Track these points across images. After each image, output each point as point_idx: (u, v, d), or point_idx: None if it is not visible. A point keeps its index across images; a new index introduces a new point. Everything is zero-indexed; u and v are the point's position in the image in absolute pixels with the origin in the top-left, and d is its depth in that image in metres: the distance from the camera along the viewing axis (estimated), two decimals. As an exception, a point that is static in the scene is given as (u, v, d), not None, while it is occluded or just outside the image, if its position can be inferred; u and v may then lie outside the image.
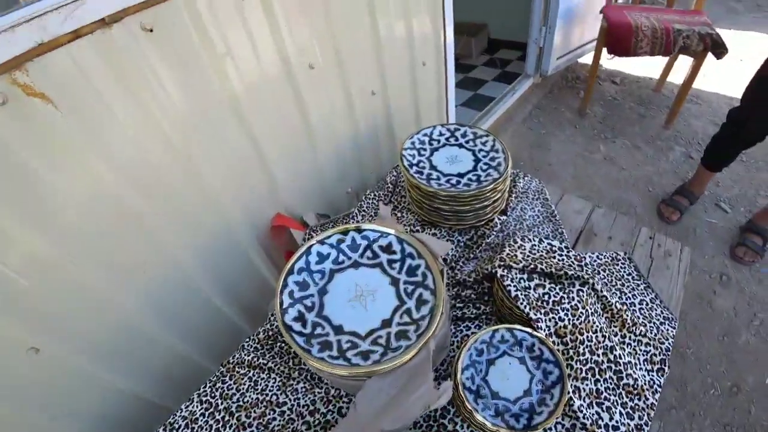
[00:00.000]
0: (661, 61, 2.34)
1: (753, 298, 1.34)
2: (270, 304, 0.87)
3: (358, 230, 0.72)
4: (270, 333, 0.79)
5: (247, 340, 0.79)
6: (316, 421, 0.66)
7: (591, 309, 0.70)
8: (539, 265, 0.71)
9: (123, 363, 0.78)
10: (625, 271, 0.86)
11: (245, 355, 0.76)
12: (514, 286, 0.68)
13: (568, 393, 0.62)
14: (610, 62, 2.82)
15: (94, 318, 0.71)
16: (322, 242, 0.70)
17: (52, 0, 0.53)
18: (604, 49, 2.07)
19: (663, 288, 0.84)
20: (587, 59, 2.51)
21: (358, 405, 0.55)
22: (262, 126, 0.86)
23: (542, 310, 0.67)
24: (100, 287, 0.70)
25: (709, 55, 1.84)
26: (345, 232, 0.71)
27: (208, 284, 0.88)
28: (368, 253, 0.71)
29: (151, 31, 0.64)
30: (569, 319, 0.67)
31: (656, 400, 0.66)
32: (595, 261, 0.87)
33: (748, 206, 1.63)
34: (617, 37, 1.94)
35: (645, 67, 2.68)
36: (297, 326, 0.61)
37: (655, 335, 0.74)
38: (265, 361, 0.75)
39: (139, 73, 0.65)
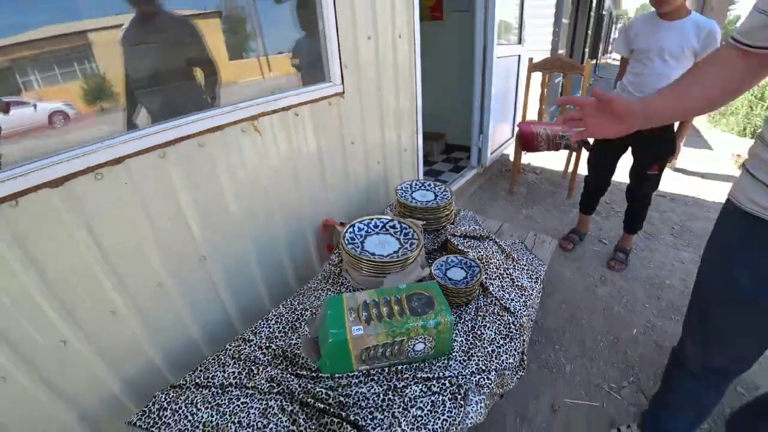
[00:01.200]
0: (563, 156, 3.34)
1: (621, 289, 2.06)
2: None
3: (378, 218, 1.43)
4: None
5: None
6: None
7: (495, 250, 1.42)
8: (469, 233, 1.44)
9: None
10: (516, 245, 1.59)
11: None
12: (457, 242, 1.40)
13: (485, 281, 1.30)
14: (533, 158, 3.87)
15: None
16: (359, 222, 1.41)
17: None
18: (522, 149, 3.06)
19: (541, 255, 1.57)
20: (525, 158, 3.51)
21: (386, 281, 1.21)
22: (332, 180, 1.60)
23: (470, 251, 1.38)
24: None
25: (584, 151, 2.82)
26: (371, 219, 1.43)
27: (285, 252, 1.52)
28: (383, 228, 1.42)
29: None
30: (484, 253, 1.38)
31: (536, 295, 1.33)
32: (504, 235, 1.60)
33: (616, 238, 2.44)
34: (526, 140, 2.93)
35: (556, 162, 3.72)
36: (351, 248, 1.29)
37: (531, 266, 1.45)
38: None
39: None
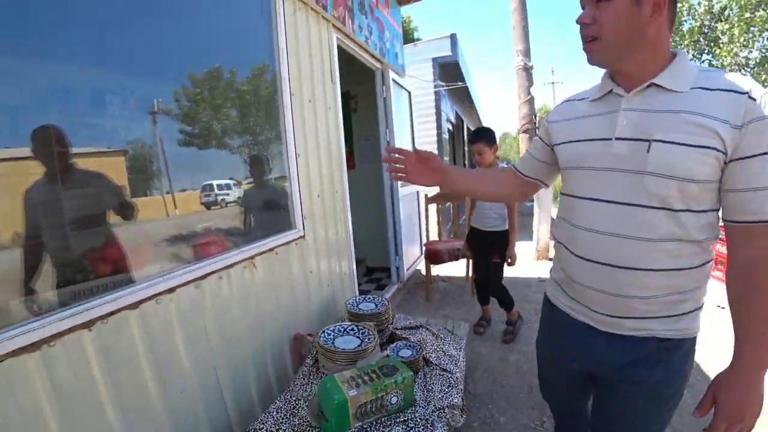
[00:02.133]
0: (463, 264, 4.18)
1: (526, 353, 2.68)
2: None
3: (340, 324, 1.93)
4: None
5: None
6: None
7: (427, 334, 1.97)
8: (407, 326, 1.99)
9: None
10: (441, 330, 2.16)
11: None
12: (400, 332, 1.93)
13: (426, 355, 1.81)
14: (440, 270, 4.68)
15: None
16: (328, 329, 1.88)
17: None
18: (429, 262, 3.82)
19: (460, 334, 2.14)
20: (434, 270, 4.28)
21: (357, 365, 1.67)
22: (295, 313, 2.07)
23: (411, 336, 1.91)
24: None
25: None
26: (336, 326, 1.91)
27: (270, 363, 1.87)
28: (346, 331, 1.90)
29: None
30: (421, 337, 1.92)
31: (462, 359, 1.87)
32: (431, 324, 2.16)
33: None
34: (432, 256, 3.71)
35: (458, 270, 4.57)
36: (326, 345, 1.74)
37: (454, 341, 2.01)
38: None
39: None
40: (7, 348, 0.91)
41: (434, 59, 6.86)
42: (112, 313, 1.15)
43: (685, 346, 0.97)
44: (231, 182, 1.87)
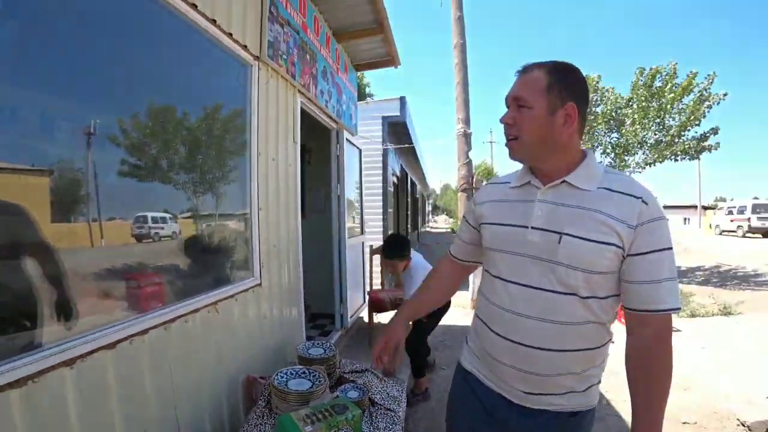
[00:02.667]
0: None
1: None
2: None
3: (292, 368, 2.07)
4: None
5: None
6: None
7: (372, 377, 2.16)
8: (353, 369, 2.17)
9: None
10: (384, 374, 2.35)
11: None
12: (347, 375, 2.11)
13: (371, 396, 1.99)
14: (383, 317, 4.88)
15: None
16: (281, 372, 2.01)
17: None
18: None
19: (402, 377, 2.34)
20: (376, 318, 4.45)
21: (311, 404, 1.81)
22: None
23: (358, 379, 2.09)
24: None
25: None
26: (287, 369, 2.05)
27: (225, 403, 1.93)
28: (298, 375, 2.04)
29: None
30: (366, 380, 2.11)
31: (403, 399, 2.06)
32: (375, 369, 2.34)
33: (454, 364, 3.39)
34: (375, 304, 3.93)
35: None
36: (281, 387, 1.88)
37: (396, 383, 2.21)
38: None
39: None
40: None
41: (384, 117, 7.41)
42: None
43: (590, 415, 1.07)
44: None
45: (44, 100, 1.20)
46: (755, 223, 19.94)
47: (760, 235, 19.63)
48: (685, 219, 37.17)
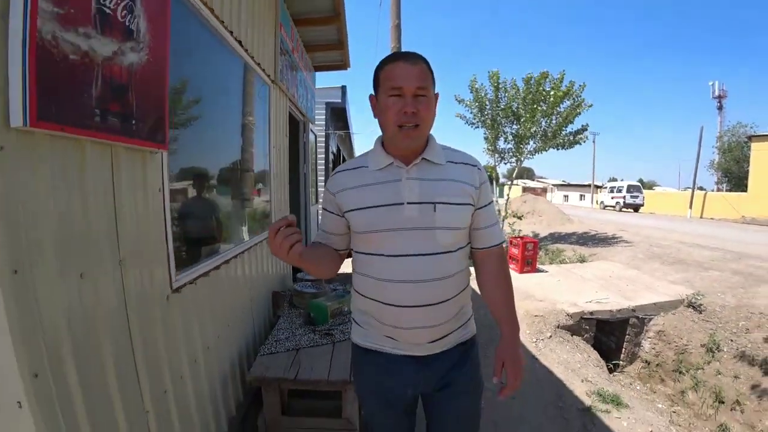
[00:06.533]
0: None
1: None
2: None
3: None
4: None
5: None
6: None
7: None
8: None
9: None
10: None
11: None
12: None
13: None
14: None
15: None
16: (297, 285, 3.24)
17: None
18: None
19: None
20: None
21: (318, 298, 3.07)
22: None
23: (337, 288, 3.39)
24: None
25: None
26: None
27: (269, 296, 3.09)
28: (307, 286, 3.28)
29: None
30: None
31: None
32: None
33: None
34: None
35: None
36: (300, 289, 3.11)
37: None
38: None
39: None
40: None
41: (327, 103, 8.49)
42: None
43: (475, 339, 1.27)
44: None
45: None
46: (629, 200, 24.55)
47: (631, 210, 24.18)
48: (581, 196, 41.96)
